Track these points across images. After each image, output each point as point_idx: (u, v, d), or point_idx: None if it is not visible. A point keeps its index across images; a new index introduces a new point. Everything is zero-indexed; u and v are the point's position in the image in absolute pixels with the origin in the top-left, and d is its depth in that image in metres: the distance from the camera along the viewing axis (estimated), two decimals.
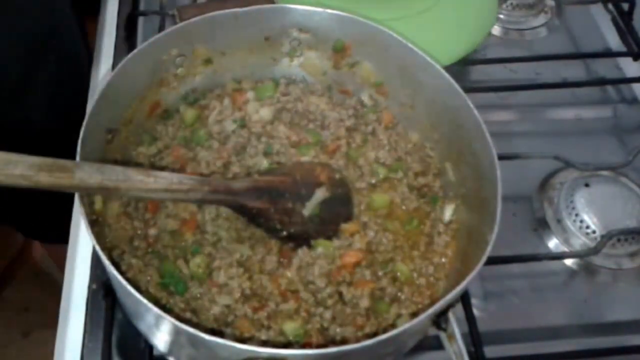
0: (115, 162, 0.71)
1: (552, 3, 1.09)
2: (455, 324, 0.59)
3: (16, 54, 0.96)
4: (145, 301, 0.55)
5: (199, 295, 0.66)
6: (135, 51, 0.71)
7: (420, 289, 0.70)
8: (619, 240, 0.81)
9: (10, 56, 0.95)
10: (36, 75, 0.99)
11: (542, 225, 0.84)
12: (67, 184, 0.57)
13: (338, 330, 0.65)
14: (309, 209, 0.72)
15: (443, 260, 0.72)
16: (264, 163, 0.75)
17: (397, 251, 0.72)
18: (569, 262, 0.81)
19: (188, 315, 0.65)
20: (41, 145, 0.67)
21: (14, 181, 0.54)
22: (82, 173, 0.58)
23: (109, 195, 0.68)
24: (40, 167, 0.55)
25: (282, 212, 0.71)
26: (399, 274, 0.70)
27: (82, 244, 0.77)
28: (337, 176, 0.76)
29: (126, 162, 0.73)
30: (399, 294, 0.69)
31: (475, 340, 0.69)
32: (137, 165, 0.74)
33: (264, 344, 0.64)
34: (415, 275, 0.71)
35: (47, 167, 0.56)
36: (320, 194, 0.73)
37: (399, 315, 0.67)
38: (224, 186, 0.69)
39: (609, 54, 1.04)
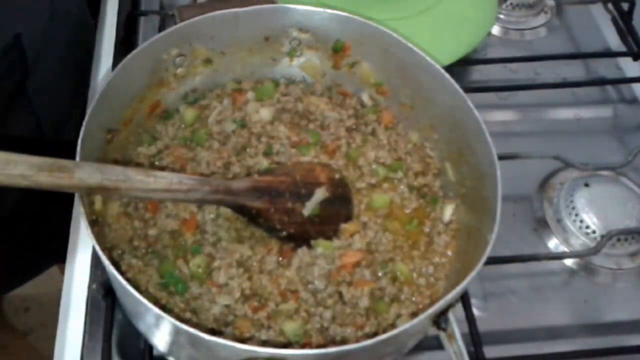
0: (115, 162, 0.71)
1: (552, 3, 1.09)
2: (455, 324, 0.59)
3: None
4: (145, 301, 0.55)
5: (198, 295, 0.66)
6: (135, 51, 0.71)
7: (420, 289, 0.70)
8: (619, 240, 0.81)
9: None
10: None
11: (542, 225, 0.84)
12: (67, 184, 0.57)
13: (338, 330, 0.65)
14: (308, 209, 0.72)
15: (443, 260, 0.72)
16: (264, 163, 0.75)
17: (397, 251, 0.72)
18: (568, 262, 0.81)
19: (188, 315, 0.65)
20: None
21: (13, 181, 0.54)
22: (82, 173, 0.58)
23: (109, 195, 0.68)
24: (40, 167, 0.55)
25: (282, 212, 0.70)
26: (398, 274, 0.70)
27: (82, 244, 0.77)
28: (337, 176, 0.76)
29: (126, 162, 0.73)
30: (399, 294, 0.69)
31: (475, 340, 0.69)
32: (137, 165, 0.74)
33: (264, 344, 0.64)
34: (415, 275, 0.71)
35: (47, 167, 0.55)
36: (320, 194, 0.73)
37: (398, 315, 0.67)
38: (223, 186, 0.68)
39: (609, 54, 1.04)
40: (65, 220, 0.79)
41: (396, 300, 0.69)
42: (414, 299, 0.69)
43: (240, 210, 0.70)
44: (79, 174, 0.57)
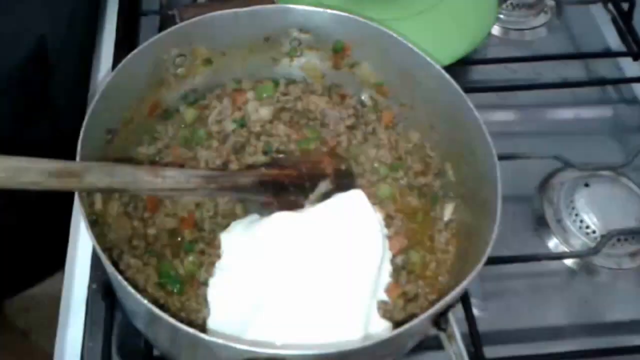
0: (116, 161, 0.71)
1: (552, 3, 1.09)
2: (455, 325, 0.59)
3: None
4: (145, 301, 0.55)
5: (190, 296, 0.66)
6: (135, 51, 0.71)
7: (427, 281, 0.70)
8: (619, 240, 0.81)
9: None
10: None
11: (542, 225, 0.84)
12: (76, 187, 0.59)
13: None
14: (311, 201, 0.72)
15: (445, 256, 0.72)
16: (263, 161, 0.76)
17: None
18: (569, 262, 0.81)
19: (183, 314, 0.65)
20: None
21: (24, 187, 0.55)
22: (91, 177, 0.59)
23: (114, 193, 0.69)
24: (50, 173, 0.56)
25: (284, 204, 0.71)
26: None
27: (82, 244, 0.77)
28: (344, 166, 0.76)
29: (126, 162, 0.73)
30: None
31: (475, 340, 0.69)
32: (138, 164, 0.74)
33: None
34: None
35: (57, 172, 0.57)
36: (323, 187, 0.73)
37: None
38: (229, 183, 0.70)
39: (609, 54, 1.04)
40: (67, 229, 0.79)
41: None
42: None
43: (243, 202, 0.72)
44: (89, 178, 0.59)
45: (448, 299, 0.57)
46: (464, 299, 0.71)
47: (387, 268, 0.69)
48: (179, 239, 0.70)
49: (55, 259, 0.82)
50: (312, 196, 0.73)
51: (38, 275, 1.20)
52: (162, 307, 0.64)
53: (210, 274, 0.67)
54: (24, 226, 1.00)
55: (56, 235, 0.80)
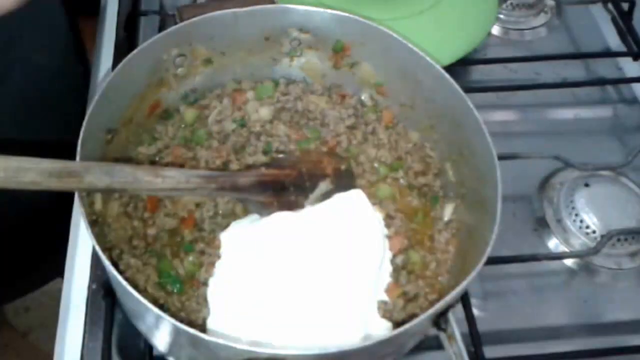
0: (116, 161, 0.71)
1: (552, 3, 1.09)
2: (455, 325, 0.59)
3: None
4: (145, 302, 0.55)
5: (190, 297, 0.66)
6: (135, 51, 0.71)
7: (427, 281, 0.70)
8: (619, 240, 0.81)
9: None
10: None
11: (542, 225, 0.84)
12: (76, 187, 0.59)
13: None
14: (311, 201, 0.72)
15: (445, 256, 0.72)
16: (263, 161, 0.76)
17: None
18: (568, 262, 0.81)
19: (183, 314, 0.65)
20: None
21: (24, 187, 0.56)
22: (91, 177, 0.59)
23: (115, 193, 0.69)
24: (50, 173, 0.56)
25: (284, 204, 0.71)
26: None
27: (82, 244, 0.77)
28: (344, 167, 0.76)
29: (126, 162, 0.73)
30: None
31: (475, 340, 0.69)
32: (137, 164, 0.74)
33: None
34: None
35: (57, 172, 0.57)
36: (324, 187, 0.73)
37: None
38: (229, 183, 0.70)
39: (609, 54, 1.04)
40: (67, 234, 0.79)
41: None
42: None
43: (244, 202, 0.71)
44: (89, 177, 0.59)
45: (448, 299, 0.57)
46: (464, 299, 0.71)
47: (387, 268, 0.69)
48: (179, 239, 0.70)
49: (54, 265, 0.82)
50: (312, 196, 0.73)
51: (37, 280, 1.20)
52: (162, 307, 0.64)
53: (210, 274, 0.67)
54: (22, 230, 1.00)
55: (55, 240, 0.80)
